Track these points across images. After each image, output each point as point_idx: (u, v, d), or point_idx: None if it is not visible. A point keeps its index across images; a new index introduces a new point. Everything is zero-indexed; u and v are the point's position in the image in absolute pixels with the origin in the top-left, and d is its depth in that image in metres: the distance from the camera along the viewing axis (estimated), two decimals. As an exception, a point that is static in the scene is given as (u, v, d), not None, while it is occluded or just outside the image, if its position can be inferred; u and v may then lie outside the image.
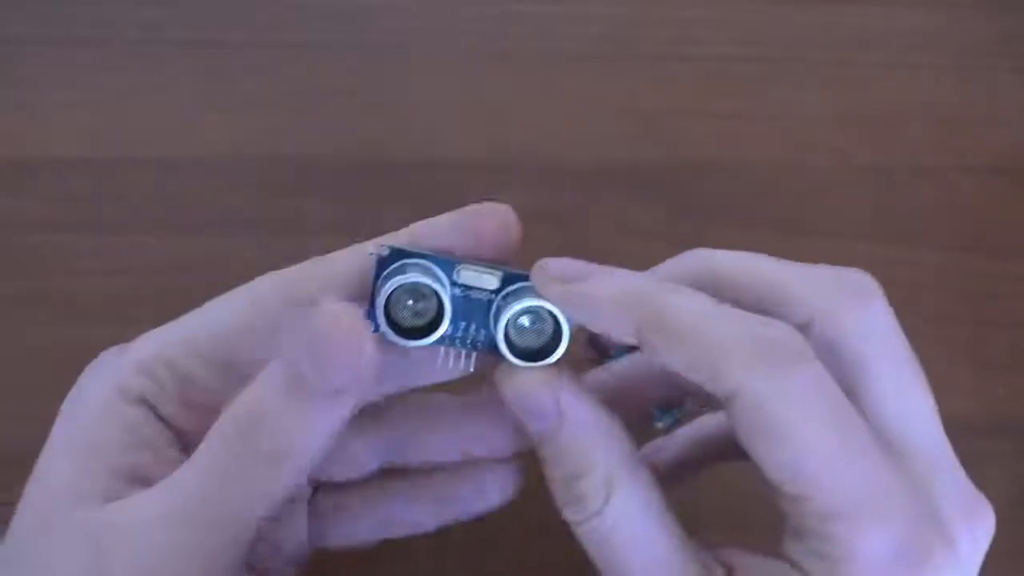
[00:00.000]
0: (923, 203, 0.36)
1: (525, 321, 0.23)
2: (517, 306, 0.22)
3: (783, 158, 0.36)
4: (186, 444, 0.22)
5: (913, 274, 0.35)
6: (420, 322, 0.22)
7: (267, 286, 0.22)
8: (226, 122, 0.36)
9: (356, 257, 0.22)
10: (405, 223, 0.29)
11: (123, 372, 0.22)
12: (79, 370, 0.23)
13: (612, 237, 0.29)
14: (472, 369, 0.23)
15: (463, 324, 0.23)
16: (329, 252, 0.28)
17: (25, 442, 0.23)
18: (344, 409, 0.20)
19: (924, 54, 0.39)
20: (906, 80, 0.38)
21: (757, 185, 0.36)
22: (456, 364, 0.23)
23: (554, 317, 0.22)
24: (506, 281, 0.23)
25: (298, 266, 0.23)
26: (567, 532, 0.22)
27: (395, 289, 0.21)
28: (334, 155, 0.35)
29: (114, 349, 0.23)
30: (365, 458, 0.25)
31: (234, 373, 0.22)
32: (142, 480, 0.21)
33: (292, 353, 0.19)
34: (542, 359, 0.22)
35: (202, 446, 0.20)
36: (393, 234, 0.23)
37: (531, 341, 0.23)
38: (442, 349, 0.23)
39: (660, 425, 0.32)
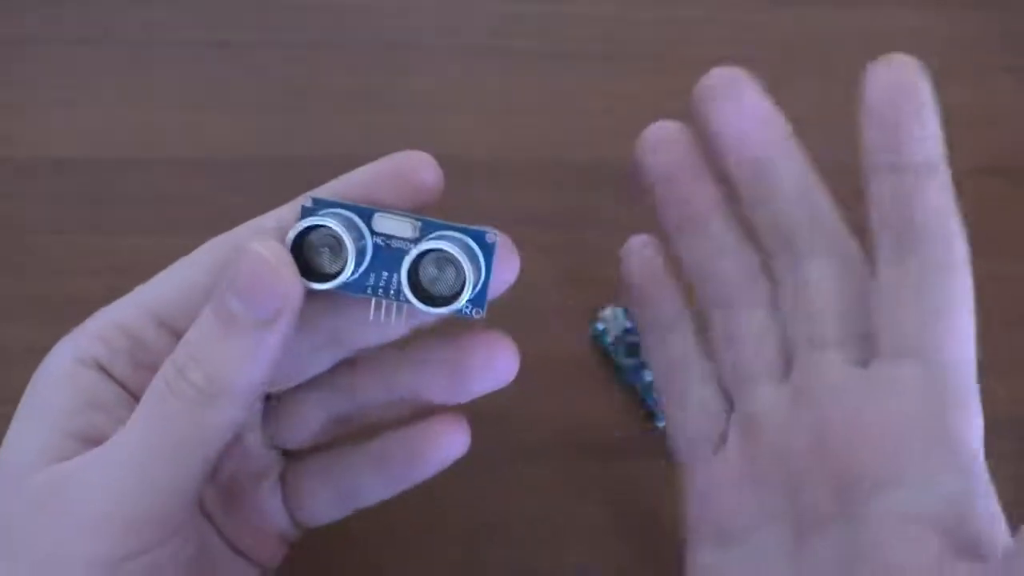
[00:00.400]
0: (923, 203, 0.36)
1: (433, 268, 0.23)
2: (416, 249, 0.22)
3: (783, 158, 0.36)
4: None
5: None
6: (336, 269, 0.22)
7: (207, 247, 0.23)
8: (226, 122, 0.36)
9: (289, 211, 0.23)
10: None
11: (79, 340, 0.23)
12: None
13: (612, 237, 0.29)
14: (406, 330, 0.24)
15: (385, 274, 0.23)
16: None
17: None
18: (274, 337, 0.21)
19: (923, 54, 0.38)
20: (906, 80, 0.38)
21: (757, 185, 0.36)
22: (388, 317, 0.23)
23: (457, 263, 0.22)
24: (425, 229, 0.23)
25: (238, 227, 0.24)
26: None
27: (302, 232, 0.22)
28: (334, 155, 0.35)
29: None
30: (313, 416, 0.25)
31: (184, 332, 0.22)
32: (96, 440, 0.21)
33: (221, 291, 0.21)
34: (448, 305, 0.22)
35: (145, 394, 0.21)
36: (325, 185, 0.23)
37: (443, 289, 0.23)
38: (372, 300, 0.23)
39: (661, 425, 0.32)
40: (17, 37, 0.36)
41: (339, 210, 0.23)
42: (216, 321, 0.21)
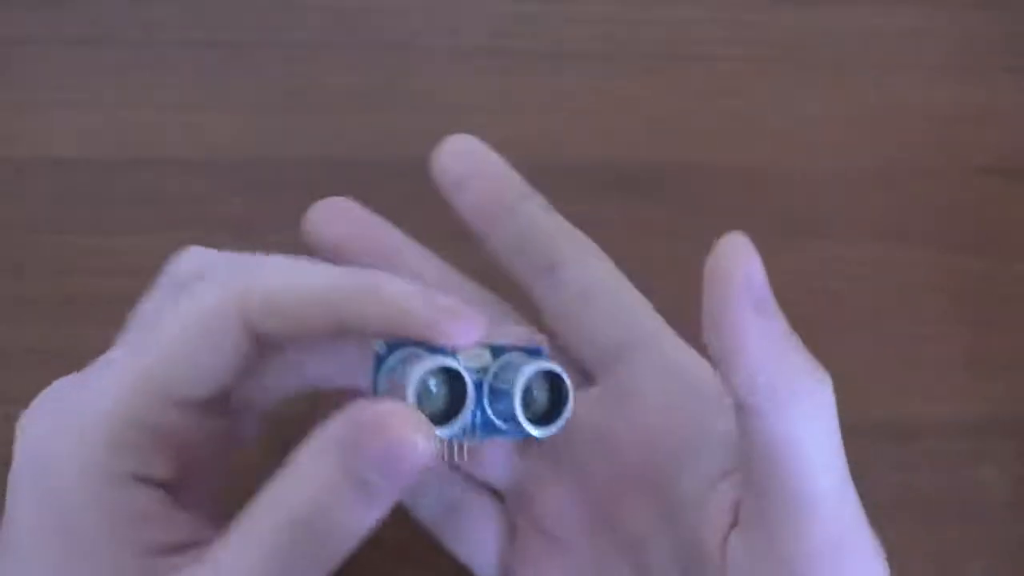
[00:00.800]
0: (923, 203, 0.36)
1: (544, 388, 0.23)
2: (532, 368, 0.22)
3: (783, 158, 0.36)
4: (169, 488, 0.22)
5: (913, 274, 0.35)
6: (437, 408, 0.21)
7: (214, 304, 0.21)
8: (226, 122, 0.36)
9: (271, 266, 0.22)
10: (406, 222, 0.29)
11: (98, 450, 0.20)
12: (78, 370, 0.23)
13: (612, 237, 0.29)
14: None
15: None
16: (329, 252, 0.28)
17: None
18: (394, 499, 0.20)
19: (924, 54, 0.39)
20: (906, 80, 0.38)
21: (757, 185, 0.36)
22: (460, 457, 0.23)
23: (562, 381, 0.22)
24: (495, 354, 0.22)
25: (242, 272, 0.22)
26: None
27: (424, 373, 0.20)
28: (334, 155, 0.35)
29: (50, 402, 0.21)
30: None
31: (203, 407, 0.21)
32: (168, 550, 0.21)
33: (354, 458, 0.19)
34: (551, 423, 0.22)
35: (253, 539, 0.20)
36: (279, 285, 0.21)
37: (540, 408, 0.23)
38: (443, 445, 0.22)
39: None
40: (17, 37, 0.36)
41: (411, 348, 0.21)
42: (347, 486, 0.19)
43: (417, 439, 0.19)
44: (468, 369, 0.21)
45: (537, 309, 0.26)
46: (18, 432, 0.21)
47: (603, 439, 0.24)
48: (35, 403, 0.21)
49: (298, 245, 0.28)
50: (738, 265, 0.19)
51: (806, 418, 0.20)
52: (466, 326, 0.20)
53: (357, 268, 0.22)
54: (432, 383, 0.21)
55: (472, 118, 0.36)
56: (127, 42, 0.37)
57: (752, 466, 0.20)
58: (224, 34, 0.37)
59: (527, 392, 0.22)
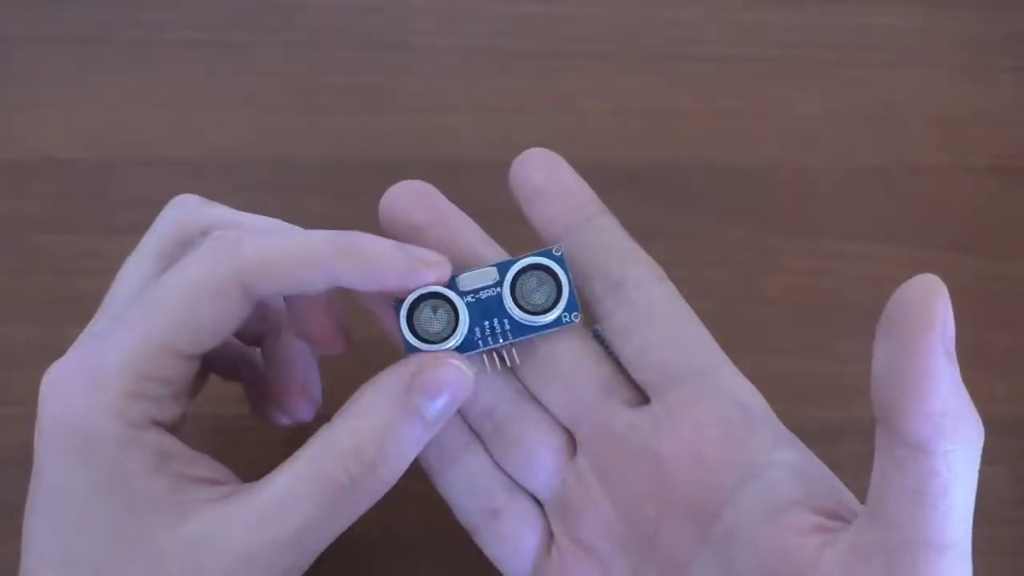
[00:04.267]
0: (923, 203, 0.36)
1: (533, 281, 0.25)
2: (516, 266, 0.25)
3: (783, 158, 0.36)
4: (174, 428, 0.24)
5: (913, 274, 0.35)
6: (440, 328, 0.25)
7: (216, 272, 0.23)
8: (226, 122, 0.36)
9: (266, 221, 0.26)
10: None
11: (121, 400, 0.22)
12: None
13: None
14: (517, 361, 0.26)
15: (487, 323, 0.25)
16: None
17: (26, 442, 0.23)
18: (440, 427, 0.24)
19: (924, 54, 0.39)
20: (906, 80, 0.38)
21: (757, 185, 0.36)
22: (502, 365, 0.25)
23: (554, 272, 0.25)
24: (502, 269, 0.25)
25: (235, 239, 0.24)
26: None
27: (416, 300, 0.24)
28: (334, 155, 0.35)
29: (73, 364, 0.23)
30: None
31: (201, 356, 0.24)
32: (196, 482, 0.23)
33: (408, 392, 0.23)
34: (548, 312, 0.25)
35: (311, 470, 0.22)
36: (261, 243, 0.24)
37: (540, 300, 0.25)
38: (484, 357, 0.25)
39: None
40: (17, 37, 0.36)
41: (424, 288, 0.25)
42: (402, 415, 0.23)
43: (458, 364, 0.23)
44: (474, 287, 0.25)
45: (597, 321, 0.26)
46: (41, 398, 0.22)
47: (653, 458, 0.24)
48: (55, 368, 0.23)
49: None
50: (937, 310, 0.20)
51: (965, 465, 0.21)
52: (437, 270, 0.24)
53: (339, 230, 0.24)
54: (428, 310, 0.25)
55: (472, 118, 0.36)
56: (127, 42, 0.37)
57: (889, 501, 0.21)
58: (224, 34, 0.37)
59: (535, 293, 0.25)
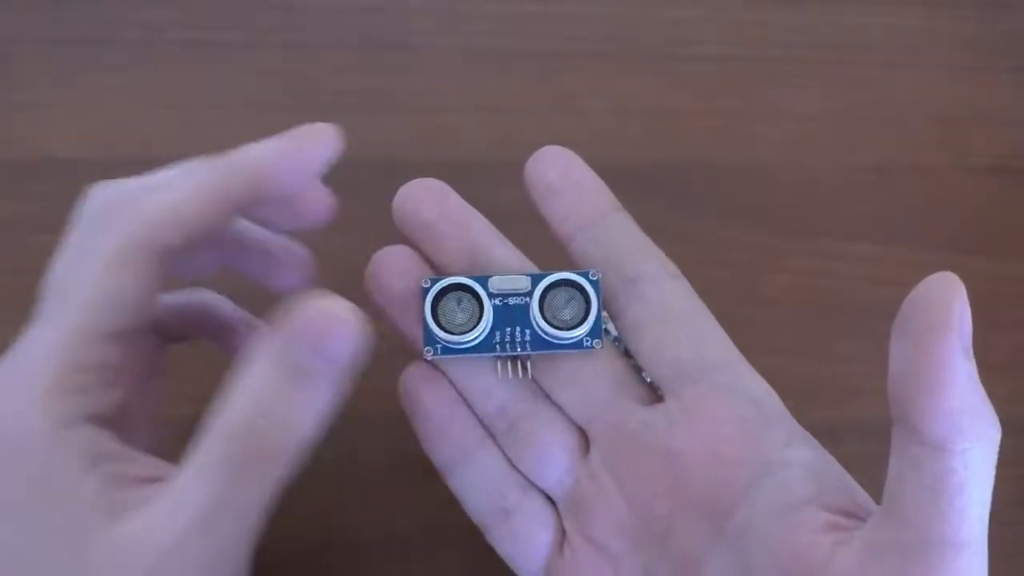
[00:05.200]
0: (923, 203, 0.36)
1: (562, 296, 0.25)
2: (548, 279, 0.25)
3: (783, 158, 0.36)
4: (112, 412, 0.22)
5: (913, 274, 0.35)
6: (464, 321, 0.25)
7: (123, 240, 0.22)
8: (226, 122, 0.36)
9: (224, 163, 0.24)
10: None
11: (49, 398, 0.21)
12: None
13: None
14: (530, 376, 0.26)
15: (509, 329, 0.25)
16: (329, 251, 0.28)
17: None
18: (342, 385, 0.21)
19: (924, 54, 0.39)
20: (906, 80, 0.38)
21: (757, 185, 0.36)
22: (514, 374, 0.26)
23: (584, 291, 0.25)
24: (536, 280, 0.25)
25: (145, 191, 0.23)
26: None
27: (441, 291, 0.25)
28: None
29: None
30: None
31: (133, 336, 0.22)
32: (132, 484, 0.21)
33: (286, 346, 0.21)
34: (571, 330, 0.25)
35: (205, 455, 0.21)
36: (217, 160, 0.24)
37: (567, 317, 0.25)
38: (498, 363, 0.26)
39: None
40: (18, 37, 0.36)
41: (456, 278, 0.25)
42: (284, 377, 0.21)
43: (339, 311, 0.20)
44: (504, 291, 0.25)
45: (611, 318, 0.26)
46: None
47: (667, 456, 0.24)
48: None
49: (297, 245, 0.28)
50: (955, 308, 0.20)
51: (982, 463, 0.21)
52: (325, 135, 0.24)
53: (220, 157, 0.23)
54: (452, 301, 0.25)
55: (472, 118, 0.36)
56: (127, 42, 0.37)
57: (905, 500, 0.21)
58: (224, 34, 0.37)
59: (563, 309, 0.25)
